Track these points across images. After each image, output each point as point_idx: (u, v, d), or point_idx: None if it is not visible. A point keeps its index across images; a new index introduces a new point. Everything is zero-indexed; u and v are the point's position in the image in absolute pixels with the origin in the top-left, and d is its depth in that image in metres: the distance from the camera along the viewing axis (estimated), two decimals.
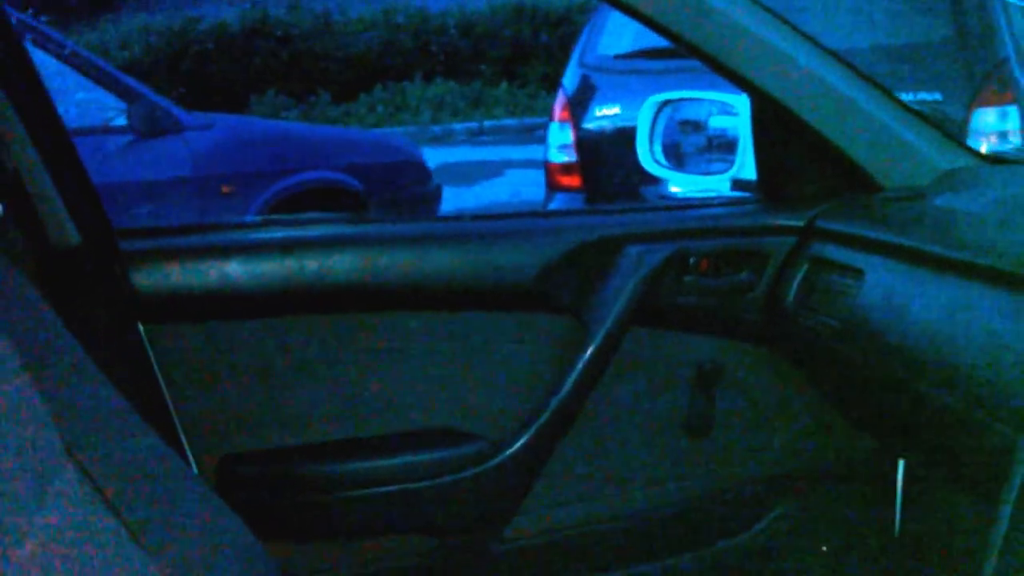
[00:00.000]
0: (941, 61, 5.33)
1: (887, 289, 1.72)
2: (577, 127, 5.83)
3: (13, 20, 1.84)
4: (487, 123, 14.73)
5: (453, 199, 8.35)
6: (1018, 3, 5.32)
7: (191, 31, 15.72)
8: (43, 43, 5.76)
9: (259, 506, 1.97)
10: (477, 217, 2.19)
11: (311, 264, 1.95)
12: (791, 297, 1.98)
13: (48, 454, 0.98)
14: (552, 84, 14.98)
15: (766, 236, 2.04)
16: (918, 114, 1.97)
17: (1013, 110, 5.10)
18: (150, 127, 6.07)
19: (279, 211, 6.41)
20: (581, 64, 6.10)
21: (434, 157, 7.73)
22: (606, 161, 5.75)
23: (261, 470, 1.99)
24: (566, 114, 5.88)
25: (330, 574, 2.07)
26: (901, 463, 2.10)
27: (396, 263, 1.98)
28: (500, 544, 2.10)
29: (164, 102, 6.32)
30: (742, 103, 2.11)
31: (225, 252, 1.95)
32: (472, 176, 10.97)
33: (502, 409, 2.05)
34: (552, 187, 5.94)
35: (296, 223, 2.13)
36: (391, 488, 1.99)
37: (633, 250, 2.00)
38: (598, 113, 5.83)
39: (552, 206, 5.83)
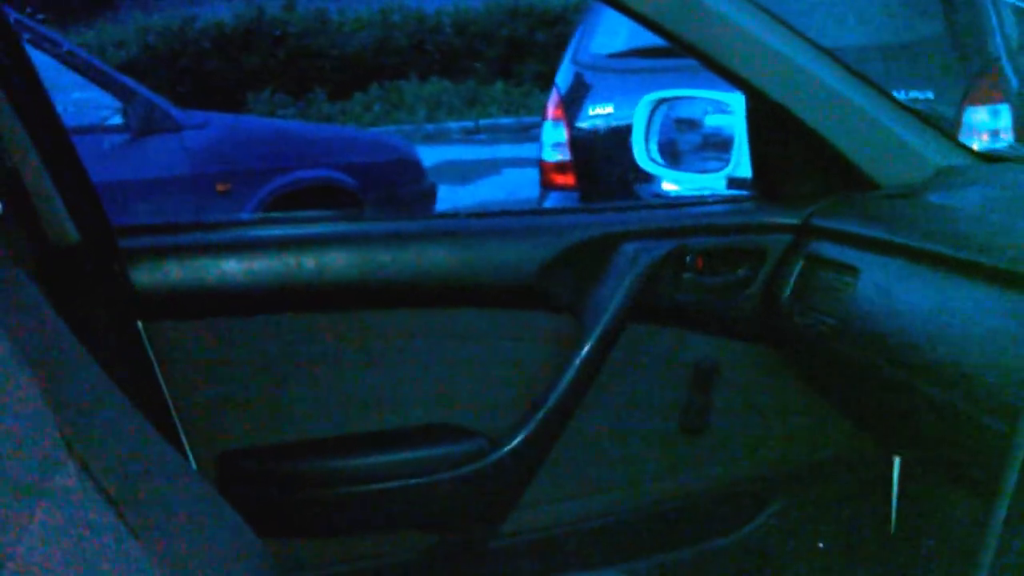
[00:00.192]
0: (933, 60, 5.34)
1: (883, 286, 1.72)
2: (571, 126, 5.83)
3: (11, 20, 1.84)
4: (482, 122, 14.72)
5: (449, 197, 8.35)
6: (1009, 2, 5.33)
7: (188, 30, 15.71)
8: (40, 42, 5.76)
9: (258, 502, 1.97)
10: (474, 215, 2.19)
11: (309, 262, 1.95)
12: (787, 295, 1.98)
13: (48, 450, 0.98)
14: (547, 83, 14.98)
15: (762, 234, 2.05)
16: (913, 112, 1.98)
17: (1004, 108, 5.11)
18: (146, 126, 6.08)
19: (275, 209, 6.42)
20: (574, 63, 6.10)
21: (429, 155, 7.73)
22: (600, 159, 5.75)
23: (260, 466, 2.00)
24: (560, 113, 5.88)
25: (328, 570, 2.07)
26: (897, 460, 2.11)
27: (394, 261, 1.99)
28: (498, 540, 2.11)
29: (160, 101, 6.32)
30: (737, 101, 2.11)
31: (223, 250, 1.95)
32: (468, 174, 10.97)
33: (500, 406, 2.06)
34: (546, 186, 5.94)
35: (294, 221, 2.14)
36: (389, 484, 1.99)
37: (630, 248, 2.00)
38: (592, 112, 5.83)
39: (546, 205, 5.83)
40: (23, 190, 1.83)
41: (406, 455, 2.02)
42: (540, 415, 1.98)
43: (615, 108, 5.66)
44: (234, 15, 15.98)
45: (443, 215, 2.72)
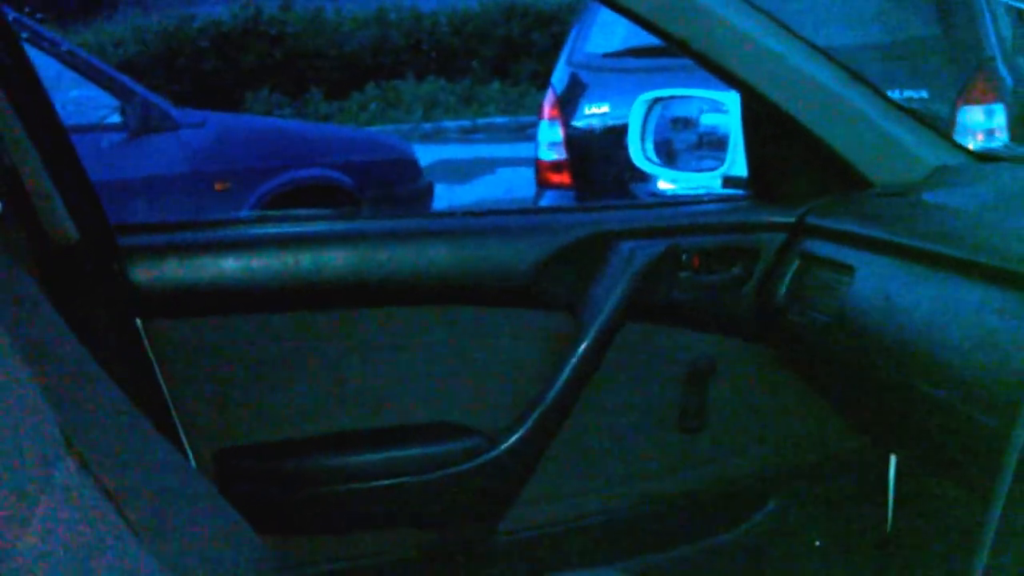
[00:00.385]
0: (928, 59, 5.35)
1: (877, 285, 1.73)
2: (566, 125, 5.84)
3: (9, 19, 1.85)
4: (479, 121, 14.70)
5: (445, 196, 8.35)
6: (1003, 1, 5.33)
7: (185, 29, 15.69)
8: (38, 42, 5.76)
9: (256, 499, 1.97)
10: (471, 213, 2.20)
11: (306, 260, 1.96)
12: (782, 293, 1.98)
13: (48, 447, 0.99)
14: (543, 82, 14.96)
15: (757, 232, 2.05)
16: (908, 111, 1.98)
17: (999, 107, 5.11)
18: (144, 124, 6.08)
19: (273, 208, 6.42)
20: (570, 63, 6.11)
21: (426, 154, 7.73)
22: (596, 159, 5.76)
23: (258, 464, 2.00)
24: (555, 112, 5.89)
25: (325, 567, 2.07)
26: (893, 458, 2.11)
27: (391, 259, 1.99)
28: (495, 538, 2.11)
29: (158, 99, 6.32)
30: (732, 100, 2.11)
31: (222, 248, 1.96)
32: (464, 173, 10.96)
33: (497, 404, 2.06)
34: (542, 185, 5.95)
35: (292, 220, 2.14)
36: (387, 482, 2.00)
37: (626, 247, 2.01)
38: (587, 111, 5.84)
39: (543, 204, 5.84)
40: (23, 189, 1.83)
41: (404, 453, 2.02)
42: (537, 413, 1.99)
43: (611, 107, 5.67)
44: (231, 15, 15.97)
45: (440, 214, 2.73)
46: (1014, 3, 5.35)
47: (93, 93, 6.05)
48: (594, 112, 5.80)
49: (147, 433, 1.27)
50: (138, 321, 1.93)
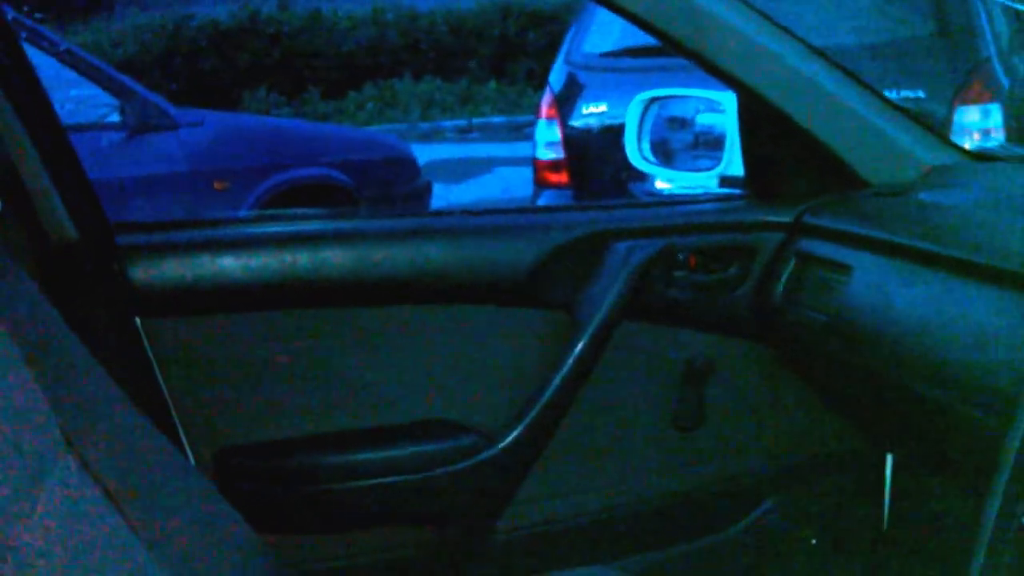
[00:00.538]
0: (924, 59, 5.36)
1: (874, 284, 1.73)
2: (564, 125, 5.85)
3: (8, 19, 1.85)
4: (475, 120, 14.71)
5: (443, 195, 8.36)
6: (1000, 1, 5.34)
7: (183, 29, 15.69)
8: (37, 41, 5.76)
9: (255, 498, 1.98)
10: (468, 213, 2.20)
11: (305, 259, 1.96)
12: (779, 292, 1.99)
13: (48, 446, 0.99)
14: (539, 82, 14.96)
15: (754, 232, 2.06)
16: (904, 111, 1.99)
17: (995, 107, 5.12)
18: (143, 123, 6.09)
19: (272, 207, 6.43)
20: (568, 62, 6.12)
21: (424, 154, 7.73)
22: (593, 158, 5.77)
23: (257, 462, 2.00)
24: (553, 112, 5.90)
25: (324, 565, 2.07)
26: (889, 457, 2.12)
27: (389, 258, 2.00)
28: (492, 536, 2.12)
29: (157, 99, 6.33)
30: (729, 100, 2.12)
31: (220, 247, 1.96)
32: (461, 173, 10.96)
33: (494, 403, 2.06)
34: (540, 184, 5.96)
35: (290, 218, 2.15)
36: (385, 480, 2.00)
37: (623, 246, 2.01)
38: (585, 111, 5.85)
39: (540, 203, 5.85)
40: (22, 188, 1.83)
41: (401, 451, 2.02)
42: (534, 412, 1.99)
43: (608, 107, 5.68)
44: (229, 14, 15.97)
45: (437, 213, 2.73)
46: (1011, 3, 5.36)
47: (92, 92, 6.06)
48: (592, 111, 5.81)
49: (147, 432, 1.27)
50: (137, 320, 1.93)
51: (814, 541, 2.24)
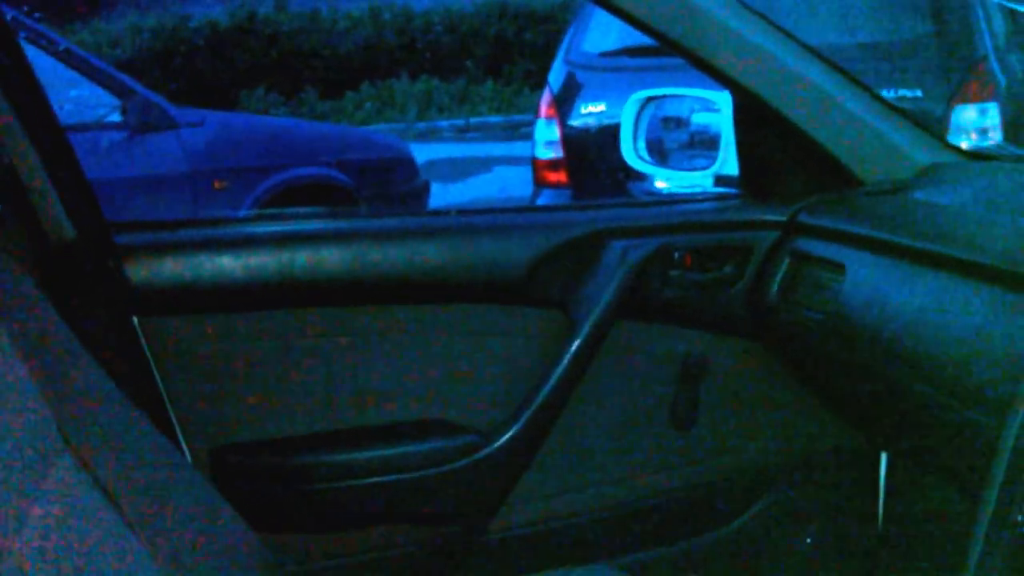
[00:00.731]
0: (922, 58, 5.36)
1: (869, 283, 1.74)
2: (563, 124, 5.85)
3: (7, 18, 1.85)
4: (472, 120, 14.73)
5: (441, 195, 8.36)
6: (997, 1, 5.34)
7: (181, 29, 15.69)
8: (38, 40, 5.77)
9: (251, 496, 1.98)
10: (465, 212, 2.20)
11: (303, 258, 1.97)
12: (774, 291, 1.99)
13: (46, 444, 0.99)
14: (536, 81, 14.99)
15: (749, 231, 2.06)
16: (899, 110, 1.99)
17: (993, 106, 5.12)
18: (144, 123, 6.09)
19: (272, 206, 6.43)
20: (567, 62, 6.11)
21: (421, 153, 7.73)
22: (592, 157, 5.76)
23: (254, 461, 2.01)
24: (552, 111, 5.90)
25: (320, 564, 2.07)
26: (884, 455, 2.12)
27: (387, 257, 2.00)
28: (489, 535, 2.12)
29: (157, 98, 6.33)
30: (724, 100, 2.12)
31: (218, 246, 1.96)
32: (459, 172, 10.96)
33: (491, 402, 2.07)
34: (539, 183, 5.96)
35: (288, 218, 2.15)
36: (382, 478, 2.00)
37: (619, 245, 2.02)
38: (584, 110, 5.85)
39: (540, 202, 5.85)
40: (20, 187, 1.84)
41: (398, 450, 2.02)
42: (530, 410, 1.99)
43: (607, 106, 5.68)
44: (227, 14, 15.98)
45: (434, 212, 2.73)
46: (1008, 3, 5.36)
47: (93, 92, 6.06)
48: (591, 111, 5.81)
49: (144, 430, 1.27)
50: (135, 319, 1.94)
51: (809, 539, 2.25)
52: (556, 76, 6.08)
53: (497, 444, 2.00)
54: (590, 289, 2.01)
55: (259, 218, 1.99)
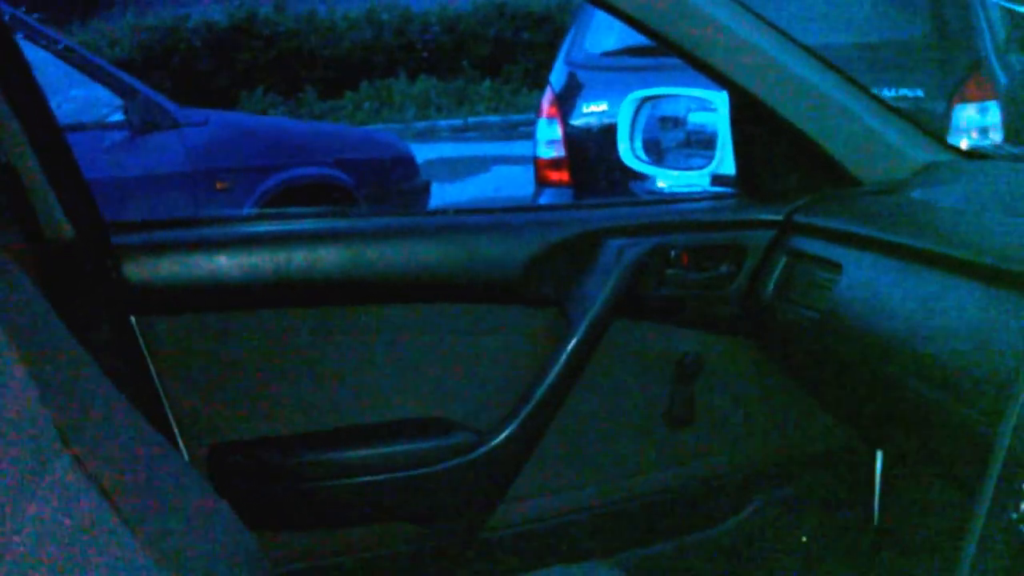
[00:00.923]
0: (922, 58, 5.36)
1: (865, 282, 1.74)
2: (565, 123, 5.85)
3: (8, 17, 1.85)
4: (471, 119, 14.74)
5: (439, 194, 8.37)
6: (996, 1, 5.35)
7: (180, 29, 15.70)
8: (40, 39, 5.77)
9: (248, 494, 1.98)
10: (462, 211, 2.21)
11: (300, 257, 1.97)
12: (770, 290, 2.00)
13: (43, 444, 0.99)
14: (534, 81, 15.02)
15: (745, 230, 2.06)
16: (895, 110, 1.99)
17: (993, 106, 5.12)
18: (147, 123, 6.09)
19: (273, 206, 6.44)
20: (568, 61, 6.12)
21: (419, 153, 7.73)
22: (594, 156, 5.77)
23: (250, 459, 2.01)
24: (554, 110, 5.90)
25: (317, 562, 2.08)
26: (879, 454, 2.12)
27: (383, 256, 2.00)
28: (485, 533, 2.12)
29: (160, 98, 6.34)
30: (721, 99, 2.13)
31: (216, 246, 1.96)
32: (457, 172, 10.97)
33: (487, 400, 2.07)
34: (541, 182, 5.96)
35: (285, 217, 2.15)
36: (378, 476, 2.00)
37: (615, 244, 2.02)
38: (585, 109, 5.86)
39: (541, 201, 5.86)
40: (18, 187, 1.84)
41: (395, 448, 2.02)
42: (527, 409, 1.99)
43: (608, 106, 5.69)
44: (226, 15, 15.98)
45: (431, 212, 2.73)
46: (1006, 3, 5.36)
47: (96, 91, 6.06)
48: (592, 110, 5.82)
49: (142, 429, 1.27)
50: (132, 318, 1.94)
51: (804, 538, 2.25)
52: (558, 75, 6.09)
53: (494, 442, 2.00)
54: (586, 288, 2.01)
55: (256, 218, 1.99)
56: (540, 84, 6.15)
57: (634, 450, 2.17)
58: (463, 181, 10.59)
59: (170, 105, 6.32)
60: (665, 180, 3.11)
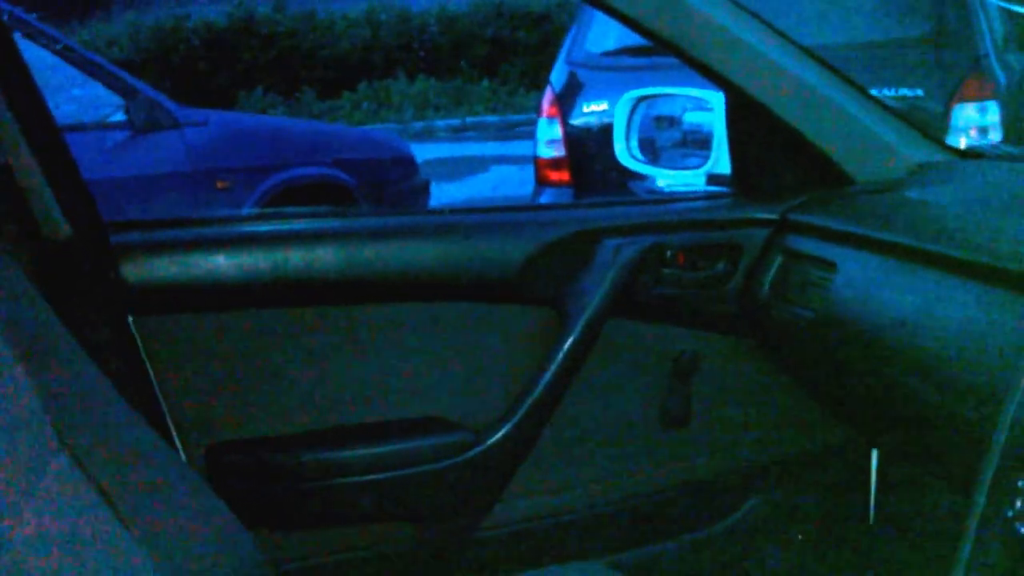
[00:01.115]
0: (922, 58, 5.36)
1: (860, 281, 1.74)
2: (565, 123, 5.85)
3: (7, 16, 1.85)
4: (469, 119, 14.74)
5: (437, 194, 8.38)
6: (996, 2, 5.35)
7: (179, 29, 15.70)
8: (42, 39, 5.77)
9: (245, 494, 1.98)
10: (459, 211, 2.21)
11: (296, 257, 1.97)
12: (766, 289, 2.00)
13: (41, 443, 0.99)
14: (532, 81, 15.02)
15: (741, 229, 2.07)
16: (891, 109, 2.00)
17: (993, 105, 5.12)
18: (148, 122, 6.09)
19: (274, 206, 6.43)
20: (568, 61, 6.12)
21: (418, 152, 7.74)
22: (594, 156, 5.77)
23: (247, 459, 2.01)
24: (554, 110, 5.90)
25: (313, 561, 2.08)
26: (875, 452, 2.13)
27: (380, 256, 2.01)
28: (482, 532, 2.12)
29: (161, 98, 6.34)
30: (717, 99, 2.13)
31: (213, 245, 1.97)
32: (455, 172, 10.97)
33: (483, 400, 2.07)
34: (541, 182, 5.96)
35: (282, 217, 2.16)
36: (374, 476, 2.00)
37: (611, 243, 2.02)
38: (586, 109, 5.85)
39: (542, 201, 5.86)
40: (16, 186, 1.84)
41: (391, 448, 2.02)
42: (523, 408, 2.00)
43: (609, 105, 5.68)
44: (225, 15, 15.99)
45: (428, 211, 2.73)
46: (1005, 4, 5.37)
47: (97, 91, 6.06)
48: (593, 110, 5.81)
49: (139, 429, 1.27)
50: (130, 317, 1.94)
51: (801, 536, 2.25)
52: (558, 75, 6.09)
53: (490, 442, 2.01)
54: (583, 287, 2.01)
55: (254, 217, 1.99)
56: (537, 84, 6.16)
57: (630, 449, 2.17)
58: (461, 181, 10.59)
59: (172, 105, 6.32)
60: (662, 180, 3.12)
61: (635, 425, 2.16)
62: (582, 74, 6.03)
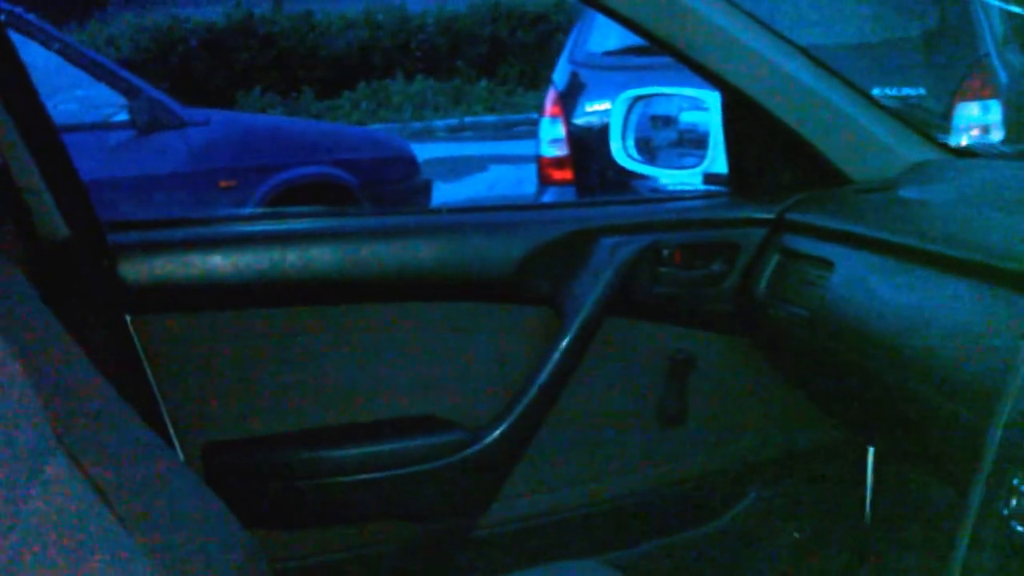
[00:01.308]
0: (924, 57, 5.37)
1: (856, 280, 1.75)
2: (568, 122, 5.86)
3: (7, 15, 1.85)
4: (467, 119, 14.73)
5: (436, 193, 8.38)
6: (996, 3, 5.36)
7: (178, 30, 15.70)
8: (44, 39, 5.77)
9: (242, 493, 1.98)
10: (456, 210, 2.21)
11: (293, 256, 1.97)
12: (762, 288, 2.00)
13: (39, 443, 0.99)
14: (529, 81, 15.01)
15: (737, 228, 2.07)
16: (887, 108, 2.00)
17: (994, 104, 5.13)
18: (151, 122, 6.10)
19: (275, 205, 6.44)
20: (571, 61, 6.14)
21: (417, 152, 7.74)
22: (597, 155, 5.77)
23: (244, 457, 2.01)
24: (557, 109, 5.92)
25: (311, 560, 2.08)
26: (871, 450, 2.13)
27: (377, 255, 2.01)
28: (478, 531, 2.12)
29: (164, 98, 6.34)
30: (713, 98, 2.13)
31: (211, 245, 1.97)
32: (454, 171, 10.96)
33: (480, 398, 2.07)
34: (544, 181, 5.97)
35: (280, 217, 2.16)
36: (371, 475, 2.00)
37: (608, 242, 2.02)
38: (588, 108, 5.87)
39: (545, 200, 5.87)
40: (14, 187, 1.84)
41: (388, 447, 2.03)
42: (520, 407, 2.00)
43: (611, 105, 5.69)
44: (224, 15, 15.98)
45: (425, 211, 2.73)
46: (1004, 5, 5.37)
47: (100, 91, 6.07)
48: (595, 109, 5.83)
49: (136, 428, 1.28)
50: (128, 317, 1.94)
51: (797, 534, 2.25)
52: (561, 75, 6.11)
53: (486, 441, 2.01)
54: (579, 286, 2.01)
55: (251, 217, 1.99)
56: (535, 84, 6.18)
57: (627, 448, 2.17)
58: (460, 181, 10.59)
59: (174, 105, 6.33)
60: (658, 179, 3.12)
61: (632, 423, 2.16)
62: (584, 74, 6.05)
